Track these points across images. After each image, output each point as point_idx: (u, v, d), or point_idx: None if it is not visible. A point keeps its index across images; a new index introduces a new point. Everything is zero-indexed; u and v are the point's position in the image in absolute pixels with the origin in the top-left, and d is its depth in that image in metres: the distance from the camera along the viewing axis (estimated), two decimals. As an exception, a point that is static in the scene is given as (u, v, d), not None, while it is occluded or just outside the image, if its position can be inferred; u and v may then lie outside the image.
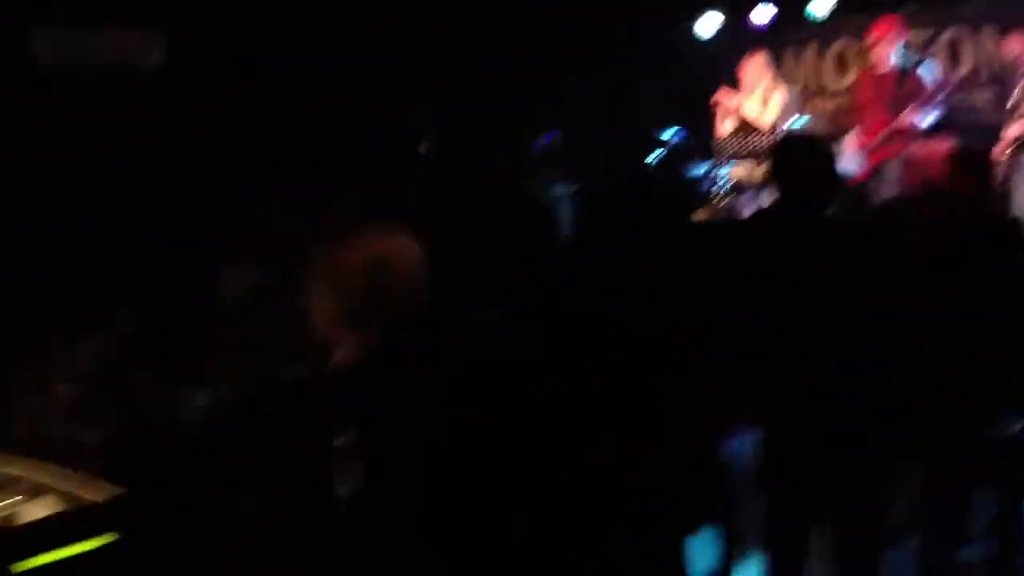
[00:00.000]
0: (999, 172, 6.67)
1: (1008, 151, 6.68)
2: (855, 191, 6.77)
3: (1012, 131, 6.69)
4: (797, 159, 3.45)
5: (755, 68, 7.37)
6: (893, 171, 6.84)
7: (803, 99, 8.60)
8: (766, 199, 6.83)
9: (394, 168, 6.10)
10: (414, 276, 2.12)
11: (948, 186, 3.89)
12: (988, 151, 4.70)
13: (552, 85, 7.94)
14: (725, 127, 7.46)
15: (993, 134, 7.44)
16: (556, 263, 3.70)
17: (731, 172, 7.33)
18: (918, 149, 6.81)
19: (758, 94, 7.31)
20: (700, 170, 7.39)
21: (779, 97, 7.32)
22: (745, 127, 7.21)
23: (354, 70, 6.84)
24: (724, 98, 7.49)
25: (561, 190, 5.10)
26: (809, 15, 8.29)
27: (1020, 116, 6.62)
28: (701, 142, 7.76)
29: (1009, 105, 6.67)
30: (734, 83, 7.56)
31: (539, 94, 7.91)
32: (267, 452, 1.89)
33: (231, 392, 3.02)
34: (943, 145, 6.60)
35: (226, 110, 6.26)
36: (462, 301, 3.35)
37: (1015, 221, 4.23)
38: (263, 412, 2.02)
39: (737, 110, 7.35)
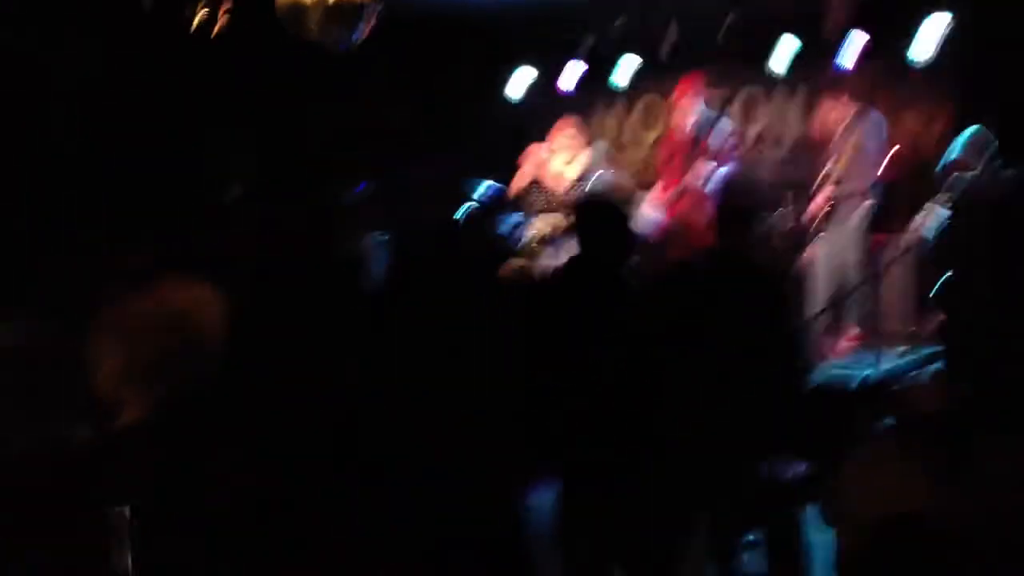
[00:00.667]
0: (807, 231, 7.18)
1: (818, 214, 7.11)
2: (651, 246, 7.04)
3: (821, 198, 7.12)
4: (595, 219, 3.71)
5: (563, 127, 7.59)
6: (679, 228, 7.20)
7: (613, 152, 8.97)
8: (568, 253, 7.03)
9: (194, 217, 5.92)
10: (212, 331, 2.03)
11: (718, 242, 4.11)
12: (757, 208, 4.98)
13: (365, 136, 7.94)
14: (533, 181, 7.63)
15: (786, 189, 7.98)
16: (365, 312, 3.68)
17: (537, 226, 7.50)
18: (696, 208, 7.26)
19: (565, 153, 7.53)
20: (508, 223, 7.52)
21: (584, 157, 7.55)
22: (552, 182, 7.38)
23: (154, 115, 6.60)
24: (533, 153, 7.65)
25: (372, 240, 5.08)
26: (612, 84, 8.60)
27: (830, 184, 7.02)
28: (510, 196, 7.91)
29: (824, 171, 7.07)
30: (543, 138, 7.74)
31: (351, 145, 7.89)
32: (38, 523, 1.75)
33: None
34: (709, 203, 7.11)
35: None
36: (266, 355, 3.26)
37: (780, 277, 4.48)
38: (37, 477, 1.87)
39: (544, 165, 7.53)
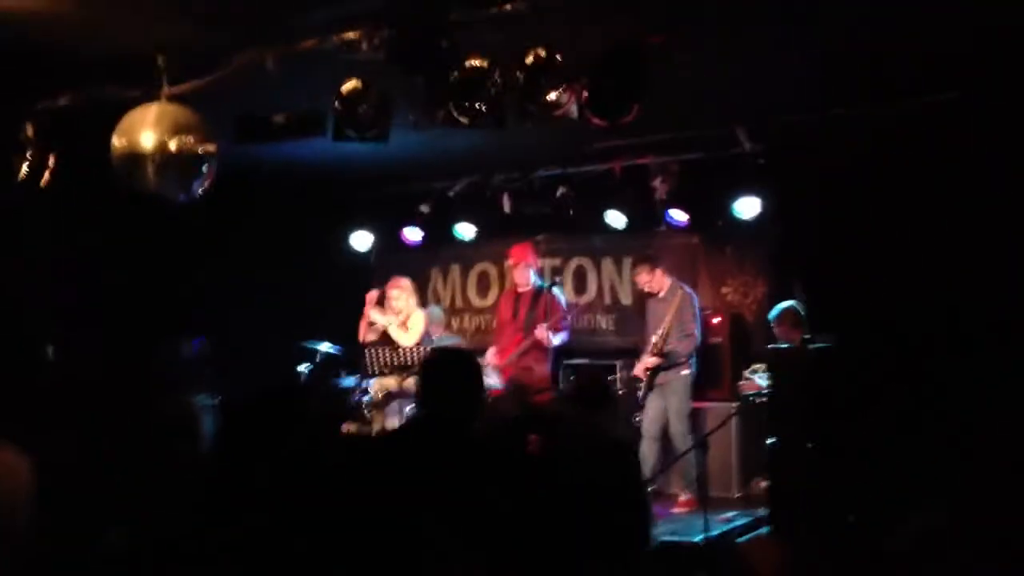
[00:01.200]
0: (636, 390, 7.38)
1: (643, 376, 7.34)
2: (490, 405, 7.06)
3: (644, 363, 7.38)
4: (447, 372, 3.55)
5: (399, 291, 7.68)
6: (516, 388, 7.31)
7: (449, 316, 9.06)
8: (409, 412, 6.97)
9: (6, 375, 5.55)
10: (18, 496, 1.85)
11: (549, 408, 4.22)
12: (596, 377, 5.16)
13: (201, 290, 7.74)
14: (370, 339, 7.59)
15: (615, 355, 8.24)
16: (197, 476, 3.47)
17: (377, 385, 7.42)
18: (528, 371, 7.41)
19: (400, 317, 7.60)
20: (349, 382, 7.40)
21: (419, 321, 7.61)
22: (391, 342, 7.37)
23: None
24: (369, 311, 7.64)
25: (206, 399, 4.88)
26: (456, 235, 8.80)
27: (654, 352, 7.29)
28: (351, 355, 7.83)
29: (653, 339, 7.33)
30: (382, 299, 7.76)
31: (186, 298, 7.67)
32: None
33: None
34: (544, 368, 7.33)
35: None
36: (84, 521, 3.01)
37: (627, 451, 4.57)
38: None
39: (382, 328, 7.52)
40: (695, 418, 7.31)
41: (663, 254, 8.40)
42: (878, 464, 5.34)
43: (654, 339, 7.28)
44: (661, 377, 7.28)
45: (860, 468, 5.33)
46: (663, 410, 7.25)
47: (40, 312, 6.38)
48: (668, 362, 7.23)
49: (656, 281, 7.45)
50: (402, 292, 7.63)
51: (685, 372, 7.26)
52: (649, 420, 7.30)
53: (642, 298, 8.19)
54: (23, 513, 1.84)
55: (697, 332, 7.29)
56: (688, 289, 7.50)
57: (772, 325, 6.94)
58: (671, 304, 7.30)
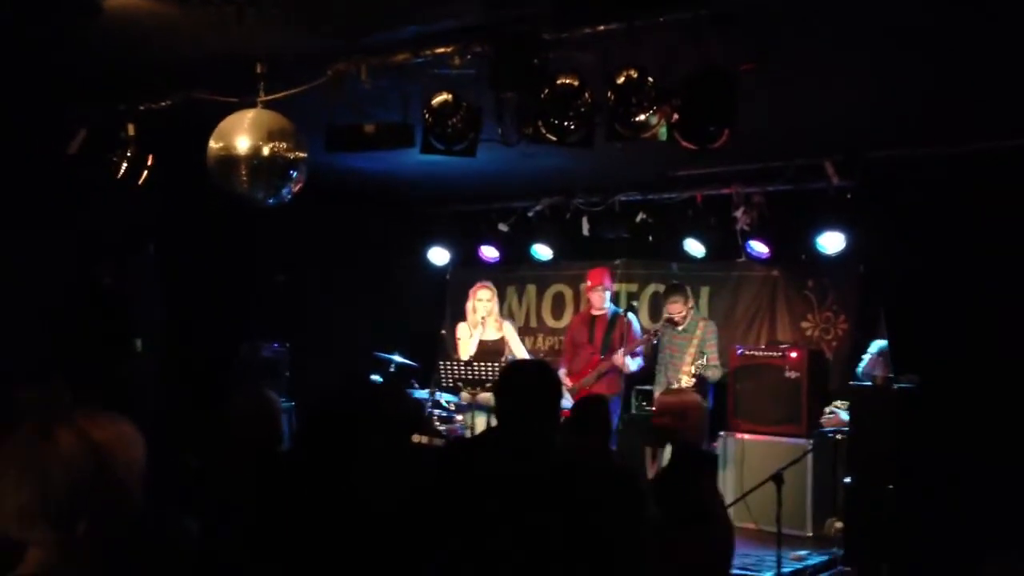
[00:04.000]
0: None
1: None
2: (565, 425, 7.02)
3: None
4: (521, 389, 3.39)
5: (487, 292, 7.60)
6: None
7: (523, 335, 9.06)
8: (484, 425, 6.96)
9: (113, 351, 5.72)
10: (134, 469, 1.87)
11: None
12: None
13: (282, 296, 7.88)
14: (454, 354, 7.60)
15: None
16: (278, 472, 3.52)
17: (454, 399, 7.44)
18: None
19: (489, 323, 7.52)
20: (421, 395, 7.44)
21: (509, 328, 7.59)
22: (477, 355, 7.34)
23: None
24: (457, 329, 7.65)
25: (283, 401, 4.96)
26: (534, 255, 8.80)
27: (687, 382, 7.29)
28: (425, 368, 7.88)
29: (684, 369, 7.35)
30: (462, 315, 7.76)
31: (269, 303, 7.81)
32: None
33: None
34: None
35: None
36: (177, 501, 3.08)
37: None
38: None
39: (465, 339, 7.52)
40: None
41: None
42: (958, 509, 5.17)
43: (685, 370, 7.26)
44: None
45: (940, 512, 5.17)
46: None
47: (130, 306, 6.55)
48: (704, 388, 7.18)
49: (686, 311, 7.47)
50: (490, 293, 7.58)
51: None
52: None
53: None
54: (139, 485, 1.87)
55: (716, 363, 7.32)
56: (711, 322, 7.57)
57: (869, 357, 6.82)
58: (693, 335, 7.32)
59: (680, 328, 7.44)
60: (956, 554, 4.68)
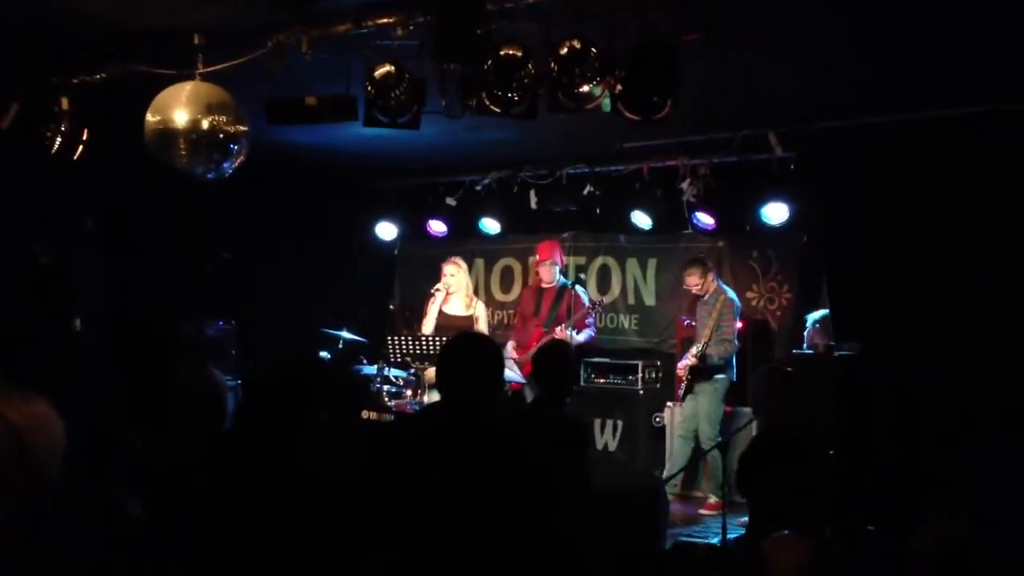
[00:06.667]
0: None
1: (683, 375, 7.35)
2: (512, 397, 7.06)
3: (685, 362, 7.38)
4: (462, 360, 3.43)
5: (455, 268, 7.56)
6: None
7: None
8: (432, 399, 6.96)
9: (52, 331, 5.61)
10: (54, 449, 1.85)
11: None
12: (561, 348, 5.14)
13: (226, 272, 7.78)
14: (403, 330, 7.57)
15: (637, 355, 8.22)
16: (222, 450, 3.48)
17: (403, 374, 7.40)
18: None
19: (459, 299, 7.50)
20: (369, 370, 7.40)
21: (481, 308, 7.58)
22: (440, 330, 7.31)
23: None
24: (429, 301, 7.59)
25: (229, 380, 4.89)
26: (482, 229, 8.78)
27: (690, 356, 7.28)
28: (374, 344, 7.83)
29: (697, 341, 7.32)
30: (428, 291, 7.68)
31: (214, 280, 7.71)
32: None
33: None
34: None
35: None
36: (112, 479, 3.03)
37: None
38: None
39: (430, 314, 7.47)
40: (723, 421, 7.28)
41: (689, 256, 8.40)
42: (900, 470, 5.29)
43: (698, 342, 7.28)
44: (698, 379, 7.25)
45: (882, 474, 5.28)
46: (696, 411, 7.23)
47: (69, 285, 6.42)
48: (705, 364, 7.19)
49: (706, 284, 7.41)
50: (458, 270, 7.56)
51: (721, 376, 7.23)
52: (682, 419, 7.32)
53: (667, 299, 8.19)
54: (57, 465, 1.83)
55: (734, 338, 7.24)
56: (731, 294, 7.44)
57: (808, 329, 6.90)
58: (713, 308, 7.28)
59: (704, 299, 7.42)
60: (896, 517, 4.78)
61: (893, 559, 2.92)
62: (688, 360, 7.29)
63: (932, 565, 2.83)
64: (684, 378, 7.32)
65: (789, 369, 6.75)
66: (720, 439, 6.90)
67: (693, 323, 7.56)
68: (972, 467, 5.15)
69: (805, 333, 6.93)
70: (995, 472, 5.01)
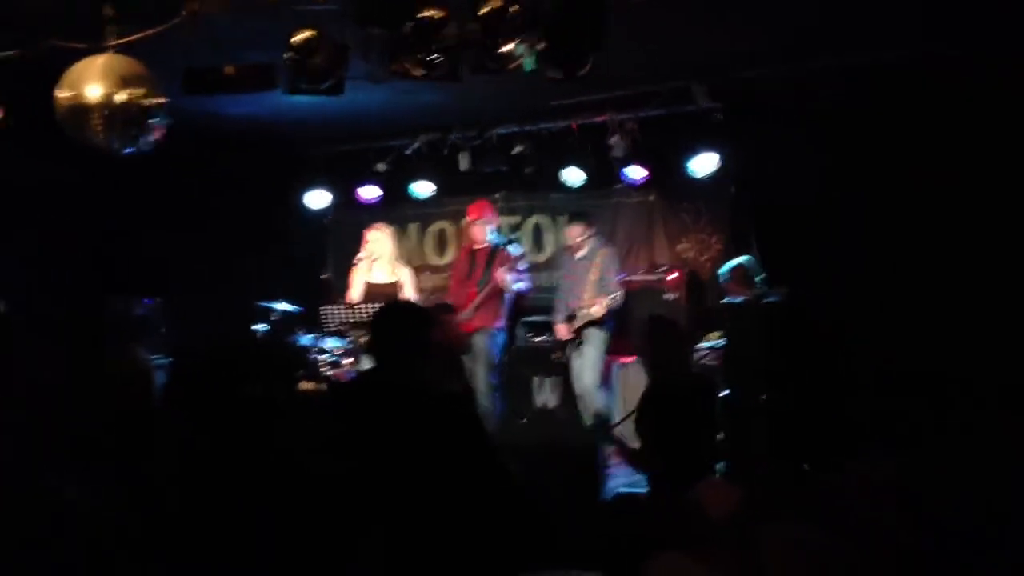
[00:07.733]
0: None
1: (571, 336, 7.43)
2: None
3: (563, 327, 7.50)
4: (394, 327, 3.51)
5: (379, 234, 7.48)
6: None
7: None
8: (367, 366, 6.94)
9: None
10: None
11: None
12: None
13: (152, 248, 7.64)
14: (339, 299, 7.51)
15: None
16: (153, 430, 3.45)
17: (341, 343, 7.37)
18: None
19: (382, 266, 7.41)
20: (306, 341, 7.35)
21: (406, 273, 7.49)
22: (366, 297, 7.23)
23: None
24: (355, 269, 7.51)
25: (158, 359, 4.82)
26: (413, 194, 8.73)
27: (591, 302, 7.32)
28: (308, 314, 7.76)
29: (581, 297, 7.39)
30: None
31: (139, 256, 7.57)
32: None
33: None
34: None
35: None
36: (39, 464, 2.99)
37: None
38: None
39: (356, 283, 7.39)
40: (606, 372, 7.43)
41: (621, 211, 8.46)
42: (829, 416, 5.41)
43: (583, 297, 7.33)
44: (582, 335, 7.37)
45: (812, 419, 5.40)
46: (579, 367, 7.38)
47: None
48: (592, 318, 7.28)
49: (585, 239, 7.49)
50: (382, 235, 7.46)
51: (603, 327, 7.34)
52: (576, 376, 7.42)
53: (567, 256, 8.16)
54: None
55: (619, 290, 7.33)
56: (610, 248, 7.58)
57: (722, 281, 6.99)
58: (593, 263, 7.36)
59: (579, 255, 7.48)
60: (825, 458, 4.91)
61: (818, 496, 3.00)
62: (578, 320, 7.37)
63: (865, 500, 2.92)
64: (574, 339, 7.43)
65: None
66: (603, 389, 7.16)
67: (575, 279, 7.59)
68: (903, 408, 5.30)
69: (722, 284, 7.00)
70: (925, 411, 5.16)
